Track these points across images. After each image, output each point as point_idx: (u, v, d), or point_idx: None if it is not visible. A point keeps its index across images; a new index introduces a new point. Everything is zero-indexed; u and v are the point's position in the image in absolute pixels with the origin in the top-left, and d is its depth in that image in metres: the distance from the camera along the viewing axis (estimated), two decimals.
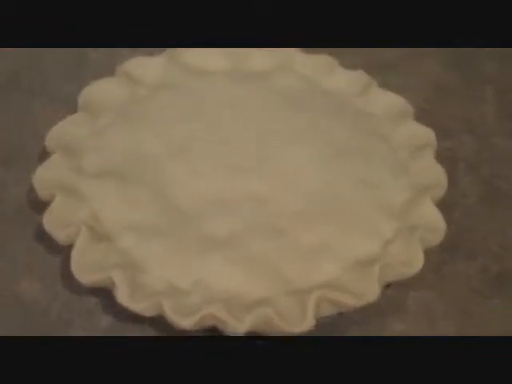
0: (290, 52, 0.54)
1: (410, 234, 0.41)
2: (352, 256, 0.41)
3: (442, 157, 0.48)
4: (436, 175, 0.45)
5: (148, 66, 0.52)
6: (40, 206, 0.43)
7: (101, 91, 0.50)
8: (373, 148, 0.47)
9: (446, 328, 0.41)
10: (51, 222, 0.42)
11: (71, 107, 0.50)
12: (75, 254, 0.39)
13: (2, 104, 0.52)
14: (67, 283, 0.41)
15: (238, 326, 0.37)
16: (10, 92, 0.53)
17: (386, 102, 0.51)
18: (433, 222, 0.42)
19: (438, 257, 0.44)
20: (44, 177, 0.44)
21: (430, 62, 0.59)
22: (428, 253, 0.43)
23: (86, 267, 0.39)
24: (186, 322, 0.37)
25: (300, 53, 0.54)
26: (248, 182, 0.45)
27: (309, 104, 0.51)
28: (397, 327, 0.41)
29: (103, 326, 0.40)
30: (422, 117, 0.51)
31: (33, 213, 0.45)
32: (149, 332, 0.39)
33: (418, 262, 0.40)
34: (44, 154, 0.47)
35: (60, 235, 0.41)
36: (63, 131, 0.47)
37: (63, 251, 0.42)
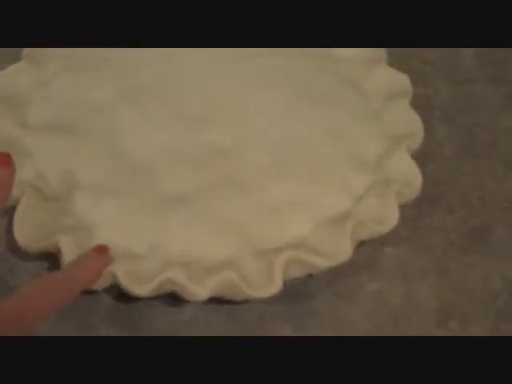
0: None
1: (383, 188, 0.38)
2: (322, 213, 0.38)
3: (416, 104, 0.45)
4: (412, 124, 0.42)
5: None
6: None
7: None
8: (342, 95, 0.44)
9: (422, 286, 0.38)
10: None
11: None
12: (17, 219, 0.36)
13: None
14: (13, 247, 0.38)
15: (199, 291, 0.34)
16: None
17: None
18: (408, 175, 0.39)
19: (414, 211, 0.41)
20: None
21: None
22: (403, 207, 0.40)
23: (30, 232, 0.36)
24: (141, 290, 0.34)
25: None
26: (208, 133, 0.41)
27: (277, 50, 0.46)
28: (371, 287, 0.38)
29: None
30: (395, 62, 0.47)
31: None
32: (104, 302, 0.36)
33: (392, 219, 0.37)
34: None
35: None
36: (5, 82, 0.43)
37: (8, 213, 0.38)
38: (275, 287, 0.34)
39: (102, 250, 0.34)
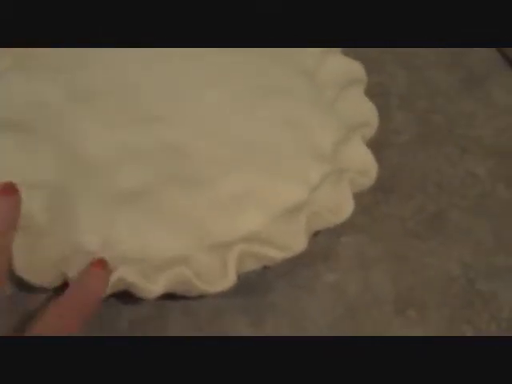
0: None
1: (339, 177, 0.38)
2: (277, 204, 0.37)
3: (372, 93, 0.45)
4: (366, 113, 0.41)
5: None
6: None
7: None
8: (295, 85, 0.43)
9: (380, 275, 0.38)
10: None
11: None
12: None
13: None
14: None
15: (151, 288, 0.33)
16: None
17: None
18: (364, 163, 0.39)
19: (371, 198, 0.41)
20: None
21: None
22: (360, 195, 0.40)
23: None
24: None
25: None
26: (160, 130, 0.40)
27: None
28: (328, 277, 0.38)
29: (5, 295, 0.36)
30: (349, 50, 0.47)
31: None
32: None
33: (347, 209, 0.37)
34: None
35: None
36: None
37: None
38: (229, 281, 0.34)
39: (101, 264, 0.33)
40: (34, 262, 0.34)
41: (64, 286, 0.34)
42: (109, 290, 0.34)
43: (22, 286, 0.35)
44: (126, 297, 0.35)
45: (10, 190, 0.33)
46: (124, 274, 0.33)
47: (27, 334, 0.30)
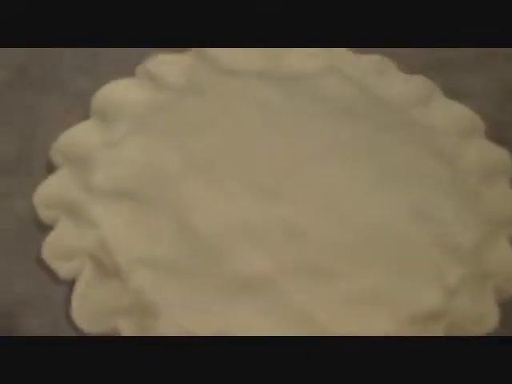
0: (337, 52, 0.46)
1: (481, 282, 0.34)
2: (407, 309, 0.34)
3: None
4: None
5: (172, 65, 0.46)
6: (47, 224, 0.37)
7: (118, 93, 0.43)
8: (434, 171, 0.40)
9: None
10: (52, 250, 0.35)
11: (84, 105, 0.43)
12: (76, 298, 0.33)
13: (11, 101, 0.46)
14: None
15: None
16: (19, 88, 0.47)
17: (451, 114, 0.43)
18: (510, 267, 0.35)
19: None
20: (47, 194, 0.38)
21: (501, 61, 0.50)
22: (505, 305, 0.35)
23: (89, 312, 0.33)
24: None
25: (349, 52, 0.46)
26: (282, 209, 0.37)
27: (357, 114, 0.43)
28: None
29: None
30: (493, 131, 0.42)
31: (38, 232, 0.38)
32: None
33: (491, 319, 0.33)
34: (51, 164, 0.40)
35: (61, 269, 0.35)
36: (72, 140, 0.41)
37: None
38: None
39: None
40: None
41: None
42: None
43: None
44: None
45: None
46: None
47: None
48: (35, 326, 0.35)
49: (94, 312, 0.33)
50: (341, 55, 0.46)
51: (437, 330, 0.32)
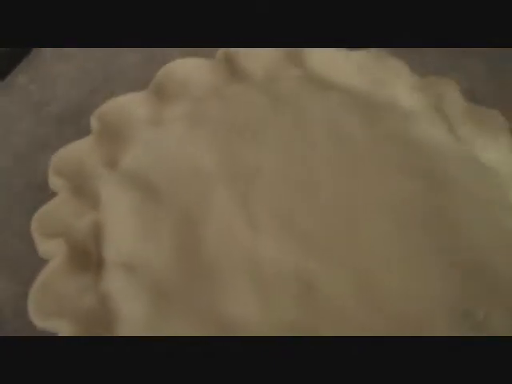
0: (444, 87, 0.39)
1: None
2: None
3: None
4: None
5: (258, 58, 0.40)
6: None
7: (184, 71, 0.39)
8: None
9: None
10: (42, 222, 0.32)
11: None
12: (36, 287, 0.29)
13: None
14: None
15: None
16: None
17: None
18: None
19: None
20: (66, 159, 0.35)
21: None
22: None
23: (46, 306, 0.29)
24: None
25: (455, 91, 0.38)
26: (306, 266, 0.31)
27: (436, 170, 0.35)
28: None
29: None
30: None
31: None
32: None
33: None
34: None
35: (41, 245, 0.31)
36: (115, 109, 0.37)
37: None
38: None
39: None
40: None
41: None
42: None
43: None
44: None
45: None
46: None
47: None
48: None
49: (51, 306, 0.29)
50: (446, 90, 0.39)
51: None
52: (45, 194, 0.33)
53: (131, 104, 0.37)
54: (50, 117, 0.38)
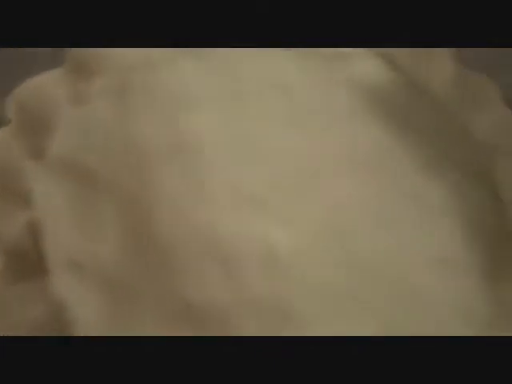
0: None
1: None
2: None
3: None
4: None
5: None
6: None
7: None
8: None
9: None
10: None
11: None
12: None
13: None
14: None
15: None
16: None
17: None
18: None
19: None
20: None
21: None
22: None
23: None
24: None
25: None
26: (270, 233, 0.29)
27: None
28: None
29: None
30: None
31: None
32: None
33: None
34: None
35: None
36: (32, 91, 0.33)
37: None
38: None
39: None
40: None
41: None
42: None
43: None
44: None
45: None
46: None
47: None
48: None
49: None
50: None
51: None
52: None
53: (48, 84, 0.33)
54: None
